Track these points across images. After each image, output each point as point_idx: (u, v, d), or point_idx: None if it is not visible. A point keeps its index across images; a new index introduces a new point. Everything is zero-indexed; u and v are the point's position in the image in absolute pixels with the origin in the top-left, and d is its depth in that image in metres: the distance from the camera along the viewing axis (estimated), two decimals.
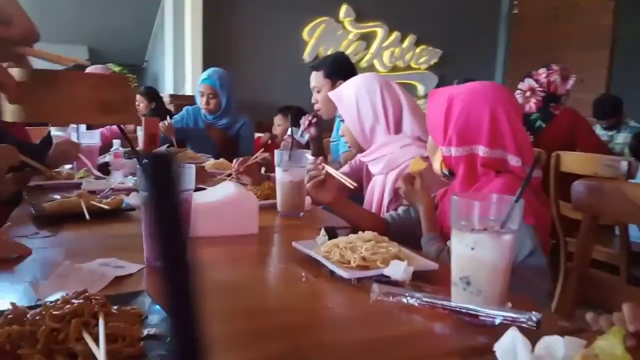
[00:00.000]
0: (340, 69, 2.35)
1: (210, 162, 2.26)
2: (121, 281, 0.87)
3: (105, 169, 2.21)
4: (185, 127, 3.10)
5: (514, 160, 1.20)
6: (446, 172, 1.30)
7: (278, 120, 3.61)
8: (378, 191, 1.63)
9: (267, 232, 1.29)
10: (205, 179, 1.93)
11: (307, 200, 1.52)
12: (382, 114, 1.67)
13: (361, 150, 1.75)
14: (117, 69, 9.06)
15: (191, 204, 0.99)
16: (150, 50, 9.45)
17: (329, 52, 5.72)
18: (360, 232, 1.06)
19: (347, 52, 5.85)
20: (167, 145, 2.91)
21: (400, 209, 1.45)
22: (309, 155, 1.39)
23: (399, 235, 1.38)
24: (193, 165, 1.00)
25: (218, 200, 1.22)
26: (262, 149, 2.06)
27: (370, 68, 5.96)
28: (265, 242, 1.22)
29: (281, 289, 0.94)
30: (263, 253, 1.17)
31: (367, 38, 5.93)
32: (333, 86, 2.28)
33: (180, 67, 5.99)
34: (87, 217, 1.27)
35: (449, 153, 1.24)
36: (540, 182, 1.30)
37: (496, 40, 6.43)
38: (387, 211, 1.54)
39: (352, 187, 1.30)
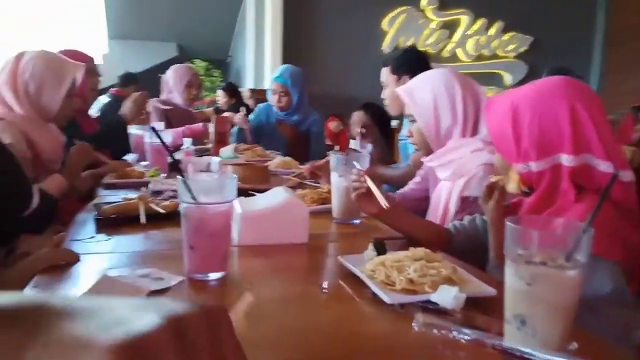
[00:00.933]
0: (407, 64, 2.23)
1: (275, 161, 2.25)
2: (157, 295, 0.86)
3: (177, 167, 2.28)
4: (260, 125, 3.12)
5: (603, 166, 1.03)
6: (526, 190, 1.14)
7: (356, 116, 3.48)
8: (444, 199, 1.50)
9: (318, 240, 1.23)
10: (267, 178, 1.90)
11: None
12: (461, 115, 1.52)
13: (429, 152, 1.62)
14: (202, 64, 9.47)
15: (231, 214, 0.95)
16: (233, 45, 9.75)
17: (409, 43, 5.55)
18: (411, 249, 0.97)
19: (429, 41, 5.64)
20: (238, 141, 2.95)
21: (466, 218, 1.33)
22: (357, 164, 1.31)
23: (463, 247, 1.27)
24: (235, 177, 0.96)
25: (266, 207, 1.18)
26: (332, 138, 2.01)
27: (453, 57, 5.71)
28: (314, 253, 1.16)
29: (322, 310, 0.88)
30: (310, 266, 1.11)
31: (450, 26, 5.67)
32: (397, 82, 2.16)
33: (261, 61, 6.09)
34: (143, 221, 1.28)
35: (528, 169, 1.07)
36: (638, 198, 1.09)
37: (593, 25, 5.88)
38: (453, 220, 1.42)
39: (385, 207, 1.18)
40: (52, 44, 8.41)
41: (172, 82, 3.14)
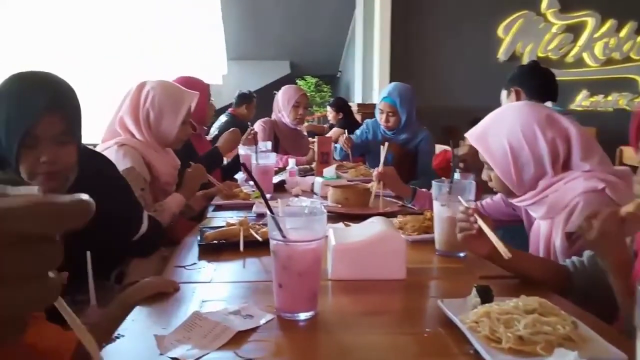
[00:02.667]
0: (519, 75, 2.04)
1: (373, 183, 2.18)
2: (245, 335, 0.84)
3: (282, 187, 2.32)
4: (365, 142, 3.08)
5: None
6: None
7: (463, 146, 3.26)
8: (544, 238, 1.31)
9: (418, 276, 1.15)
10: (368, 201, 1.84)
11: None
12: (548, 161, 1.29)
13: (512, 194, 1.42)
14: (313, 80, 9.71)
15: (321, 252, 0.91)
16: (343, 60, 9.88)
17: (527, 49, 5.21)
18: (523, 297, 0.86)
19: (550, 47, 5.25)
20: (341, 159, 2.93)
21: (585, 255, 1.15)
22: (462, 200, 1.19)
23: (586, 288, 1.11)
24: (325, 212, 0.92)
25: (361, 239, 1.12)
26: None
27: (579, 62, 5.24)
28: (412, 292, 1.08)
29: None
30: (407, 308, 1.02)
31: (575, 29, 5.21)
32: (508, 97, 1.99)
33: (369, 75, 6.08)
34: (241, 248, 1.29)
35: None
36: None
37: None
38: (562, 260, 1.24)
39: (507, 257, 1.03)
40: (178, 66, 9.18)
41: (281, 103, 3.22)
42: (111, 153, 1.78)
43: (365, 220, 1.25)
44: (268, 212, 0.90)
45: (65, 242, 0.97)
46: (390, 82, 5.29)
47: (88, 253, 1.11)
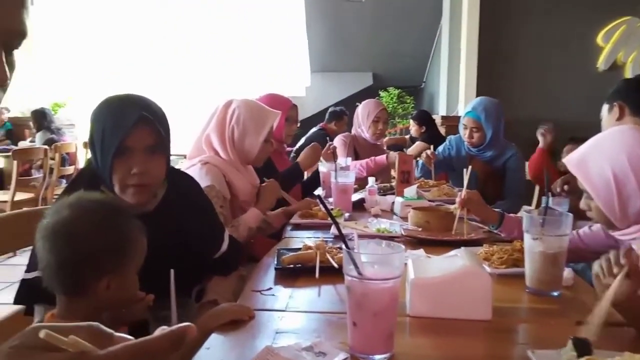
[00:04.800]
0: (623, 89, 1.85)
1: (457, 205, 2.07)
2: None
3: (361, 206, 2.28)
4: (449, 158, 2.97)
5: None
6: None
7: (570, 149, 3.01)
8: None
9: (504, 318, 1.05)
10: (451, 225, 1.75)
11: (566, 273, 1.21)
12: None
13: (614, 226, 1.27)
14: (395, 91, 9.59)
15: (398, 291, 0.86)
16: (428, 71, 9.66)
17: (630, 58, 4.80)
18: (627, 354, 0.75)
19: None
20: (421, 177, 2.84)
21: None
22: (636, 247, 1.02)
23: None
24: (402, 247, 0.87)
25: (442, 275, 1.05)
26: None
27: None
28: (498, 337, 0.99)
29: None
30: (492, 355, 0.93)
31: None
32: (609, 113, 1.81)
33: (454, 87, 5.89)
34: (317, 275, 1.27)
35: None
36: None
37: None
38: None
39: (591, 337, 0.88)
40: (263, 80, 9.47)
41: (361, 117, 3.19)
42: (195, 170, 1.85)
43: (447, 248, 1.18)
44: (343, 247, 0.87)
45: (150, 259, 0.99)
46: (477, 93, 5.10)
47: (172, 271, 1.14)
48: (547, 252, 1.16)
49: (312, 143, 2.59)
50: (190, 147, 2.04)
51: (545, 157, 3.09)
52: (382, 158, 2.98)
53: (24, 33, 0.64)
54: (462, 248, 1.18)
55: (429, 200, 2.27)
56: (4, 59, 0.62)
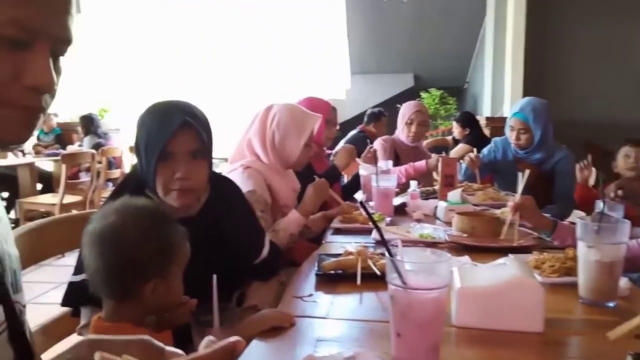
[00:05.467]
0: None
1: (505, 210, 2.00)
2: None
3: (403, 210, 2.23)
4: (494, 161, 2.88)
5: None
6: None
7: (626, 151, 2.85)
8: None
9: (557, 330, 1.00)
10: (498, 231, 1.69)
11: (622, 283, 1.14)
12: None
13: None
14: (437, 92, 9.44)
15: (444, 301, 0.83)
16: (471, 71, 9.47)
17: None
18: None
19: None
20: (464, 181, 2.76)
21: None
22: None
23: None
24: (448, 255, 0.84)
25: (490, 284, 1.01)
26: None
27: None
28: (549, 350, 0.94)
29: None
30: None
31: None
32: None
33: (499, 87, 5.75)
34: (358, 282, 1.25)
35: None
36: None
37: None
38: None
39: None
40: (304, 82, 9.50)
41: (399, 120, 3.15)
42: (236, 175, 1.86)
43: (494, 255, 1.14)
44: (386, 254, 0.84)
45: (192, 263, 1.00)
46: (524, 94, 4.95)
47: (214, 277, 1.14)
48: (603, 261, 1.09)
49: (346, 144, 2.57)
50: (231, 151, 2.06)
51: (587, 188, 2.92)
52: (421, 164, 2.90)
53: (69, 40, 0.66)
54: (511, 256, 1.13)
55: (474, 205, 2.21)
56: (52, 66, 0.64)
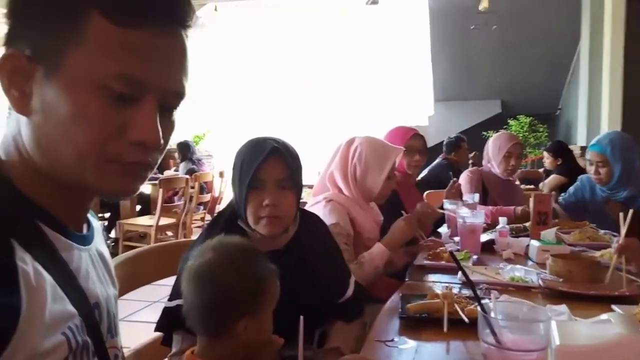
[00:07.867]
0: None
1: (605, 252, 1.85)
2: None
3: (491, 247, 2.12)
4: (582, 200, 2.69)
5: None
6: None
7: None
8: None
9: None
10: (594, 275, 1.56)
11: None
12: None
13: None
14: (527, 119, 9.03)
15: None
16: (564, 96, 8.98)
17: None
18: None
19: None
20: (555, 220, 2.59)
21: None
22: None
23: None
24: (548, 315, 0.78)
25: (593, 343, 0.92)
26: None
27: None
28: None
29: None
30: None
31: None
32: None
33: (595, 114, 5.40)
34: (445, 329, 1.20)
35: None
36: None
37: None
38: None
39: None
40: (387, 110, 9.51)
41: (491, 151, 3.02)
42: (319, 208, 1.88)
43: (594, 304, 1.05)
44: (479, 309, 0.80)
45: (280, 299, 1.00)
46: (623, 122, 4.62)
47: (301, 318, 1.14)
48: None
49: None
50: (315, 184, 2.09)
51: None
52: (509, 211, 2.71)
53: (182, 94, 0.65)
54: (616, 312, 1.04)
55: (569, 244, 2.06)
56: (157, 120, 0.61)
